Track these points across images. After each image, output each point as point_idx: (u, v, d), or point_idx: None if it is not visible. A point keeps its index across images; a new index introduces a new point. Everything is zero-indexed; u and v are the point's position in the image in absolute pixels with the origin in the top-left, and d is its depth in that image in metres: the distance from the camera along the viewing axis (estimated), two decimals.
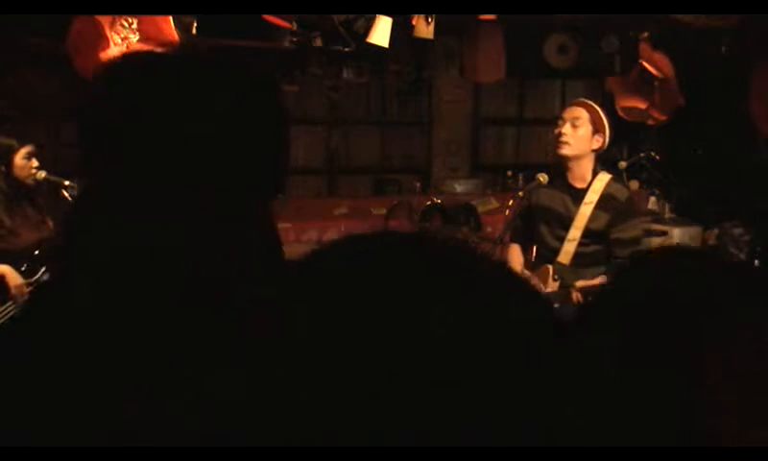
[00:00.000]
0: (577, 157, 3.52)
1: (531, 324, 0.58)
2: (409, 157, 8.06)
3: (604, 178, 3.57)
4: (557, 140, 3.50)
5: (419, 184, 7.36)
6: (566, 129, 3.47)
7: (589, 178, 3.55)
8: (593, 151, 3.53)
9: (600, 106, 3.67)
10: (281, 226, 6.11)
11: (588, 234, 3.52)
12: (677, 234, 6.32)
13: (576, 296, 3.33)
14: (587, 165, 3.55)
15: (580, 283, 3.35)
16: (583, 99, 3.70)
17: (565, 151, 3.50)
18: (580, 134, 3.47)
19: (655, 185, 6.77)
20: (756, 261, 5.68)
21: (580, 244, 3.52)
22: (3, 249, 3.61)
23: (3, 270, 3.58)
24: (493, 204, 6.45)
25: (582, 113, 3.48)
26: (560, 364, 0.57)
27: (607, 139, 3.53)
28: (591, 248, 3.54)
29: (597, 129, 3.50)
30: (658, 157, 5.92)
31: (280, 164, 0.99)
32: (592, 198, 3.51)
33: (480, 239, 5.58)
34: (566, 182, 3.53)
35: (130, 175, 0.84)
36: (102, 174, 0.88)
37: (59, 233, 3.83)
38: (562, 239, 3.57)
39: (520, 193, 3.50)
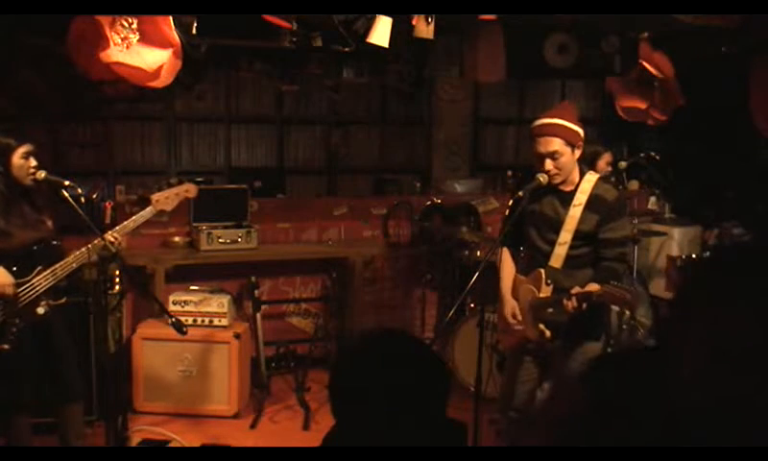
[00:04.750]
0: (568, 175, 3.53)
1: None
2: (409, 157, 8.05)
3: (591, 178, 3.55)
4: (544, 172, 3.48)
5: (419, 184, 7.36)
6: (548, 164, 3.45)
7: (577, 180, 3.55)
8: (577, 160, 3.54)
9: (573, 109, 3.61)
10: (281, 226, 6.08)
11: (578, 236, 3.51)
12: (677, 234, 6.32)
13: (571, 303, 3.31)
14: (574, 171, 3.55)
15: (575, 291, 3.33)
16: (548, 120, 3.48)
17: (557, 180, 3.50)
18: (563, 162, 3.46)
19: (655, 185, 6.77)
20: None
21: (571, 246, 3.52)
22: None
23: None
24: (493, 204, 6.44)
25: (555, 144, 3.42)
26: None
27: (582, 137, 3.52)
28: (582, 249, 3.53)
29: (574, 143, 3.47)
30: (658, 158, 5.92)
31: None
32: (581, 199, 3.50)
33: (480, 239, 5.58)
34: (555, 186, 3.53)
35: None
36: None
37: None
38: (552, 242, 3.56)
39: (520, 193, 3.49)
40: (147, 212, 3.90)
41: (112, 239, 3.72)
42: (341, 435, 1.63)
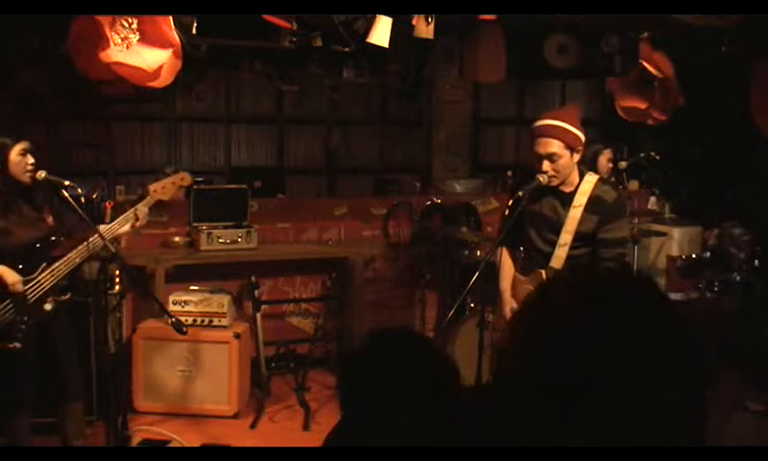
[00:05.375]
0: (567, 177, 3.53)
1: None
2: (409, 157, 8.06)
3: (591, 179, 3.55)
4: (542, 173, 3.47)
5: (419, 184, 7.36)
6: (546, 166, 3.44)
7: (577, 181, 3.55)
8: (577, 163, 3.54)
9: (576, 113, 3.60)
10: (281, 226, 6.09)
11: (578, 237, 3.51)
12: (677, 234, 6.32)
13: None
14: (573, 173, 3.55)
15: None
16: (549, 121, 3.48)
17: (554, 182, 3.50)
18: (561, 165, 3.45)
19: (655, 185, 6.77)
20: (756, 261, 5.68)
21: (571, 247, 3.52)
22: None
23: None
24: (493, 204, 6.44)
25: (554, 146, 3.41)
26: None
27: (583, 141, 3.51)
28: (582, 250, 3.54)
29: (574, 147, 3.46)
30: (658, 157, 5.92)
31: None
32: (581, 201, 3.50)
33: (480, 239, 5.58)
34: (554, 187, 3.52)
35: None
36: None
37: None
38: (551, 243, 3.57)
39: (520, 193, 3.49)
40: (146, 202, 3.93)
41: (135, 218, 3.80)
42: (348, 434, 1.63)
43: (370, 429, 1.58)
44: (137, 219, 3.87)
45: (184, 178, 4.15)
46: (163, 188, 4.01)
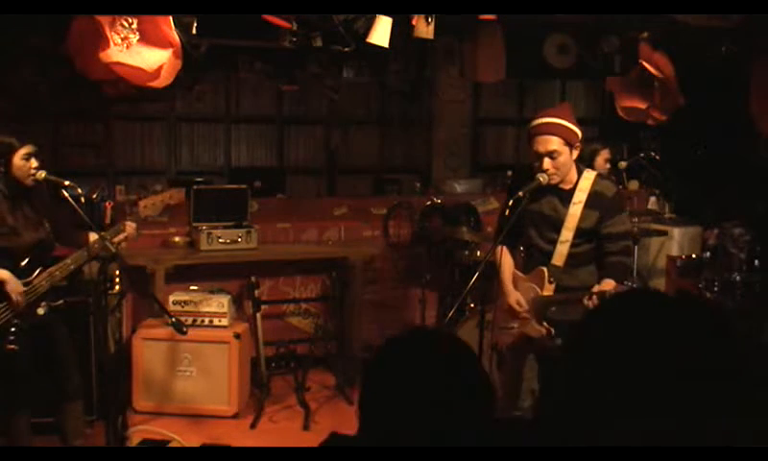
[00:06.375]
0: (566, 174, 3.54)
1: None
2: (409, 157, 8.06)
3: (589, 176, 3.56)
4: (543, 172, 3.48)
5: (419, 184, 7.36)
6: (547, 163, 3.45)
7: (575, 178, 3.56)
8: (575, 160, 3.55)
9: (571, 110, 3.61)
10: (281, 226, 6.08)
11: (579, 234, 3.52)
12: (677, 234, 6.32)
13: (592, 302, 3.28)
14: (572, 170, 3.55)
15: (596, 289, 3.31)
16: (546, 119, 3.49)
17: (555, 180, 3.50)
18: (561, 161, 3.46)
19: (655, 185, 6.77)
20: (756, 261, 5.68)
21: (572, 244, 3.53)
22: (4, 247, 3.61)
23: (3, 276, 3.59)
24: (493, 204, 6.44)
25: (554, 142, 3.42)
26: None
27: (580, 137, 3.52)
28: (583, 247, 3.54)
29: (572, 143, 3.47)
30: (658, 157, 5.92)
31: None
32: (581, 197, 3.51)
33: (480, 239, 5.57)
34: (553, 185, 3.53)
35: None
36: None
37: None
38: (552, 241, 3.57)
39: (521, 193, 3.49)
40: (134, 217, 3.97)
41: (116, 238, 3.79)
42: (369, 434, 1.57)
43: (392, 436, 1.52)
44: (124, 233, 3.86)
45: (172, 196, 4.19)
46: (153, 204, 4.05)
